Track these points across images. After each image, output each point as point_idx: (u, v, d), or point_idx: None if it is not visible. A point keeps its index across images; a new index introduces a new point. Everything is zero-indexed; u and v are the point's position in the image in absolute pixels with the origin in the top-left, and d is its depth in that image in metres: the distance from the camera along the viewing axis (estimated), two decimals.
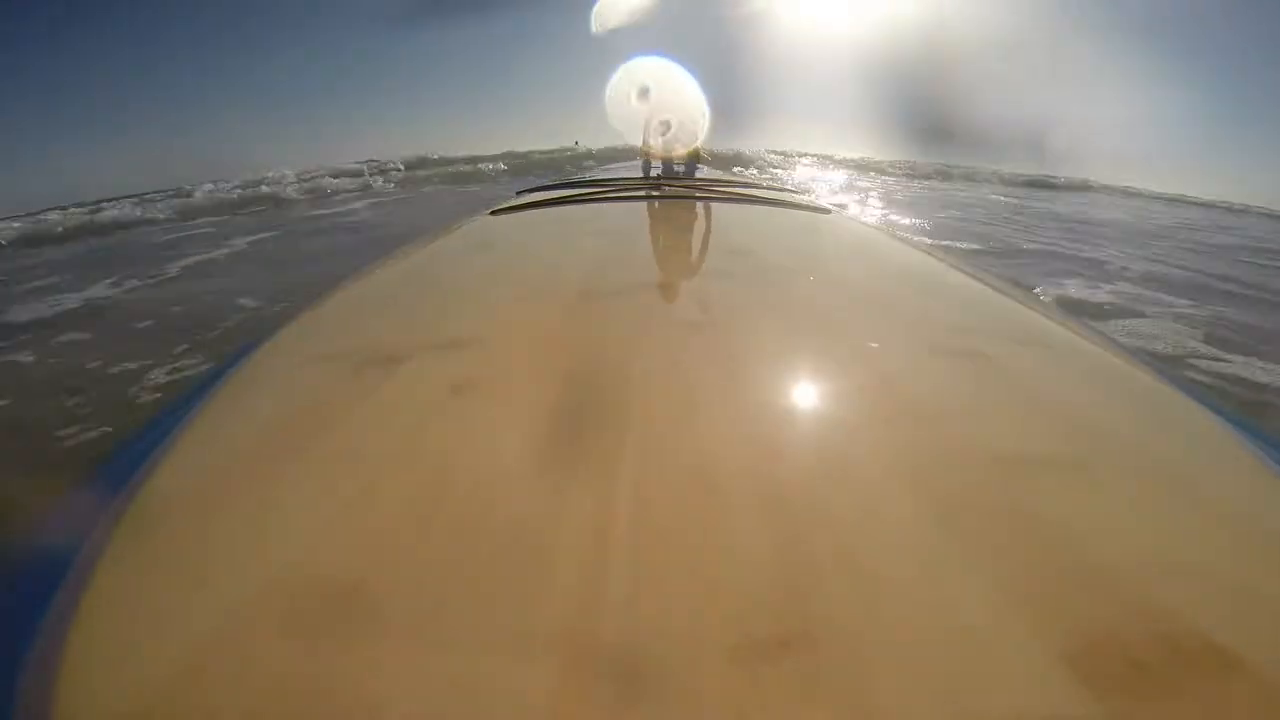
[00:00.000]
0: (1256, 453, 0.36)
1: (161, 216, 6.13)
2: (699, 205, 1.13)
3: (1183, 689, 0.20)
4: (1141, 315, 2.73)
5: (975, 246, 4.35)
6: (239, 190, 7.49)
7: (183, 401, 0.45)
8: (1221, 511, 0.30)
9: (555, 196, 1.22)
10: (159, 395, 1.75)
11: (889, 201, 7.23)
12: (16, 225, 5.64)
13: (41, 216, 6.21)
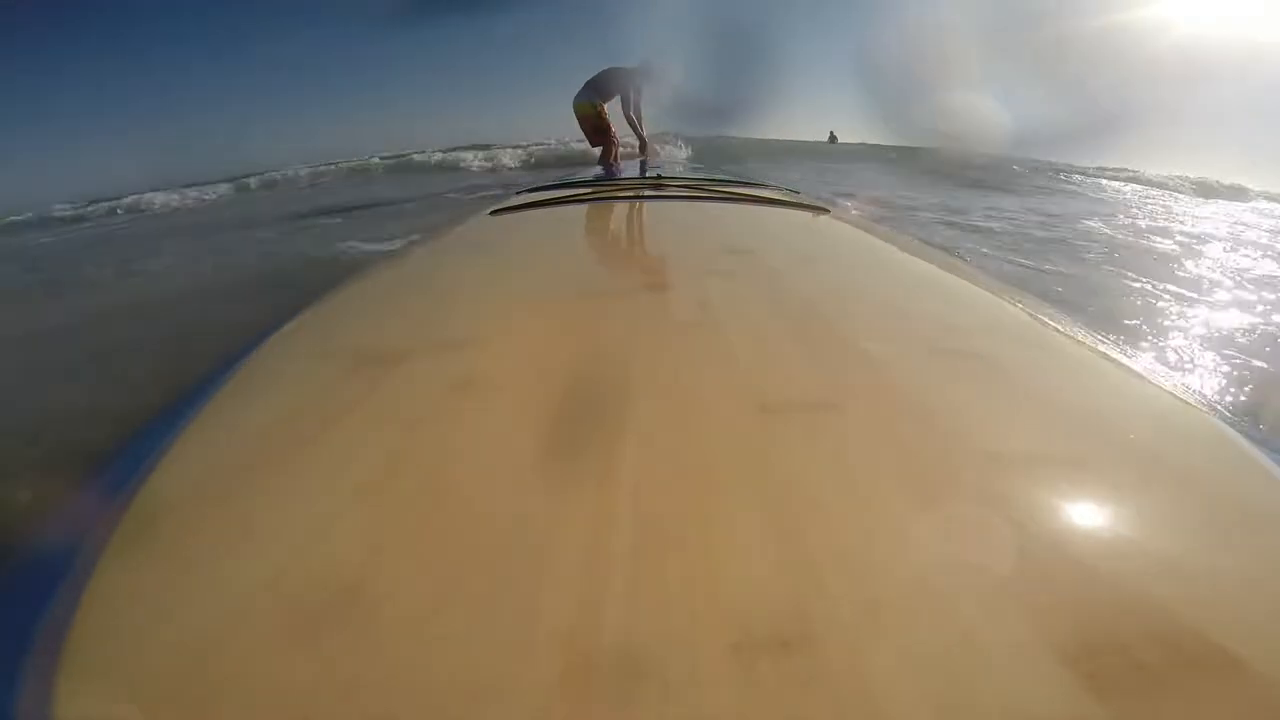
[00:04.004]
0: (1256, 453, 0.36)
1: None
2: (698, 205, 1.13)
3: (1183, 690, 0.20)
4: None
5: None
6: None
7: (184, 401, 0.45)
8: (1222, 511, 0.30)
9: (554, 196, 1.22)
10: None
11: None
12: None
13: None
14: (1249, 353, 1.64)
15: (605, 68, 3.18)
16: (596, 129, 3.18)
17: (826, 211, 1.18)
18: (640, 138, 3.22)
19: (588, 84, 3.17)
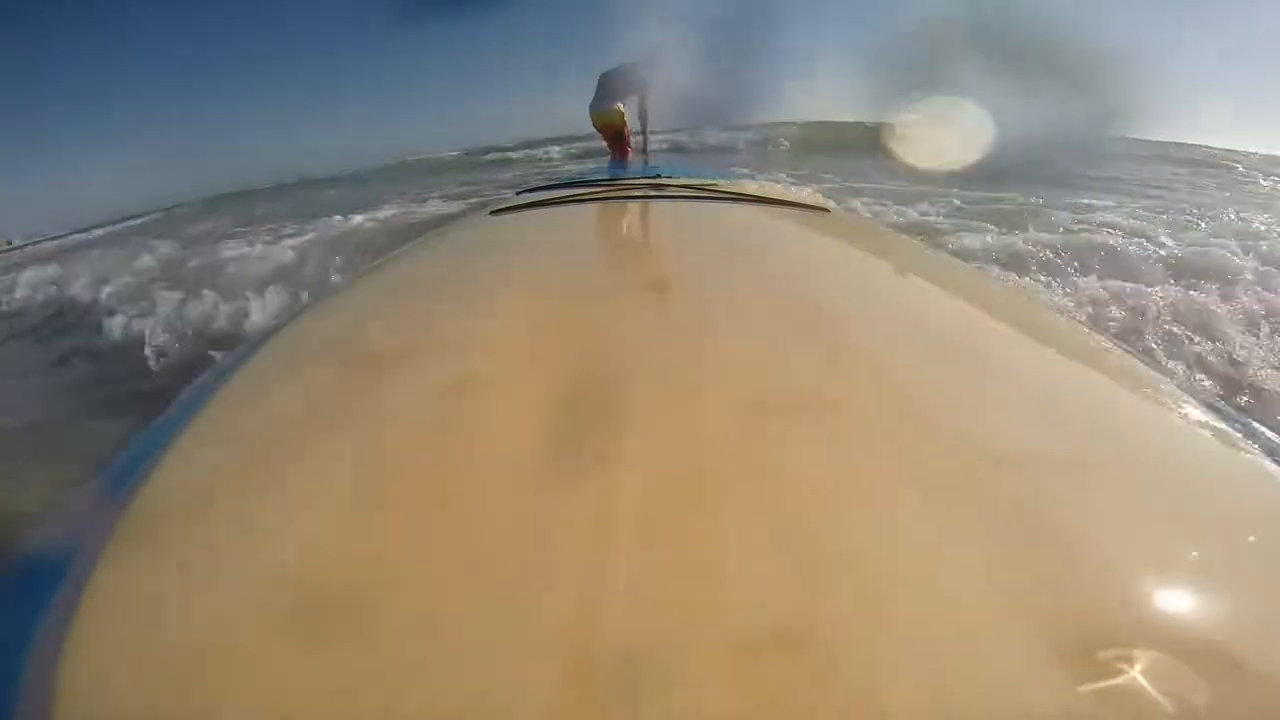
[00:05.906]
0: (1258, 453, 0.36)
1: None
2: (698, 205, 1.13)
3: (1183, 689, 0.20)
4: None
5: None
6: None
7: (184, 401, 0.45)
8: (1222, 510, 0.30)
9: (554, 196, 1.22)
10: None
11: None
12: None
13: None
14: None
15: (613, 67, 3.07)
16: (619, 136, 3.09)
17: (826, 211, 1.18)
18: (645, 139, 3.13)
19: (602, 88, 3.03)
